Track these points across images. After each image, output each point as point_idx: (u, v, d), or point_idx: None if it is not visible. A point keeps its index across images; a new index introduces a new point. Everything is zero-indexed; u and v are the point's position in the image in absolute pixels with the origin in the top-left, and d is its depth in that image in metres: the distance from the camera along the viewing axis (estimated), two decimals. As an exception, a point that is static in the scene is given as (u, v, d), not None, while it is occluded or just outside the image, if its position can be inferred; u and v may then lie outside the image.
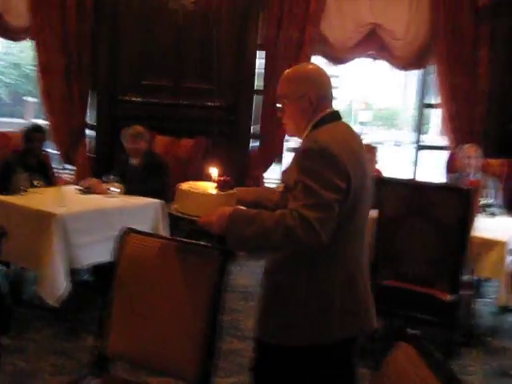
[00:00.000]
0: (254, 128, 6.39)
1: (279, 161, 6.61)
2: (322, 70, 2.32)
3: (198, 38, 6.12)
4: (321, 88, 2.26)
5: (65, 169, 6.47)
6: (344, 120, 2.32)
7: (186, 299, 2.33)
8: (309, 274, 2.14)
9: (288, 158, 6.47)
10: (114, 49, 6.15)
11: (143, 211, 4.64)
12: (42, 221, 4.05)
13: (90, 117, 6.40)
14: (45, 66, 6.06)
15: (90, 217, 4.24)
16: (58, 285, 3.96)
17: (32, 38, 6.07)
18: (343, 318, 2.18)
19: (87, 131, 6.43)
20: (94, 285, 4.83)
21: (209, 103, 6.10)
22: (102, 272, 4.08)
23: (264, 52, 6.26)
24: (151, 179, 4.93)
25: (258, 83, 6.33)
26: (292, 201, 2.06)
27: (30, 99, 15.24)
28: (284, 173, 2.42)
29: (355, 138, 2.30)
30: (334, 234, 2.04)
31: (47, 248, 3.97)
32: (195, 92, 6.10)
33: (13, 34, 6.22)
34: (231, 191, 2.35)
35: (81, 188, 4.81)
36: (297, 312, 2.15)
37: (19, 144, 5.13)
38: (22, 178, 4.56)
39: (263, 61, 6.27)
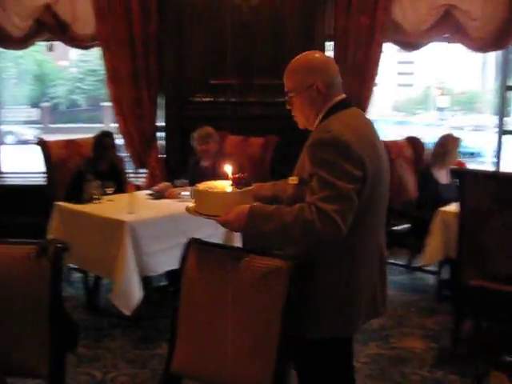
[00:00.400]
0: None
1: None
2: (327, 57, 2.31)
3: (265, 33, 5.96)
4: (328, 76, 2.21)
5: (138, 172, 6.47)
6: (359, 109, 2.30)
7: (255, 313, 2.19)
8: (331, 267, 2.13)
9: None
10: (180, 50, 6.08)
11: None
12: (113, 229, 4.03)
13: (161, 119, 6.37)
14: (113, 72, 6.07)
15: (160, 223, 4.18)
16: (131, 294, 3.92)
17: (99, 46, 6.08)
18: (366, 309, 2.22)
19: (158, 134, 6.40)
20: (169, 290, 4.78)
21: (279, 99, 5.93)
22: (177, 277, 4.02)
23: (333, 42, 6.05)
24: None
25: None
26: (309, 194, 2.05)
27: (107, 104, 15.53)
28: (297, 166, 2.31)
29: (367, 123, 2.26)
30: (353, 224, 2.03)
31: (119, 257, 3.94)
32: (264, 89, 5.95)
33: (80, 43, 6.25)
34: (247, 188, 2.31)
35: (152, 193, 4.77)
36: (322, 305, 2.15)
37: (90, 151, 5.15)
38: (93, 186, 4.56)
39: (332, 52, 6.06)
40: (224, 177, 2.38)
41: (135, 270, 3.96)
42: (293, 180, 2.23)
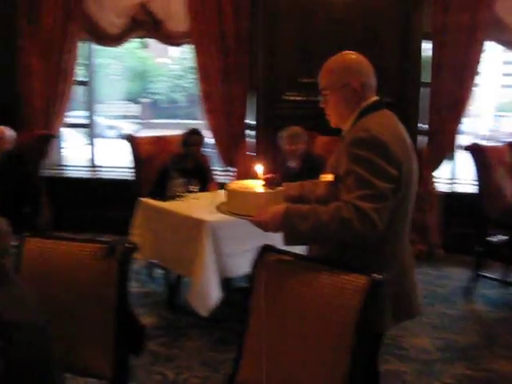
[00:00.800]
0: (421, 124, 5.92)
1: (451, 158, 6.09)
2: (363, 58, 2.30)
3: (358, 31, 5.75)
4: (364, 76, 2.25)
5: (227, 170, 6.44)
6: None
7: (328, 328, 2.03)
8: (363, 264, 2.09)
9: (460, 155, 5.95)
10: (272, 47, 5.98)
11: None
12: (193, 228, 3.97)
13: (250, 117, 6.30)
14: (203, 69, 6.06)
15: (241, 224, 4.06)
16: (209, 295, 3.86)
17: (191, 43, 6.09)
18: (396, 305, 2.19)
19: (247, 132, 6.34)
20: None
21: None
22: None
23: (431, 41, 5.74)
24: (311, 179, 4.68)
25: (425, 75, 5.84)
26: (345, 192, 2.07)
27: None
28: (329, 164, 2.33)
29: (400, 125, 2.26)
30: (387, 222, 2.05)
31: (199, 256, 3.89)
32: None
33: (173, 40, 6.30)
34: (279, 188, 2.34)
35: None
36: None
37: (177, 148, 5.15)
38: (177, 183, 4.55)
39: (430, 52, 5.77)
40: (255, 176, 2.40)
41: (214, 271, 3.89)
42: (327, 178, 2.24)
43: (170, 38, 6.29)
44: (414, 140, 5.85)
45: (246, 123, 6.26)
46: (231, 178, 6.26)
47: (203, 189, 4.76)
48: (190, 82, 19.80)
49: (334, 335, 2.01)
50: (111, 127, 17.37)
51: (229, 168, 6.40)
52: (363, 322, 1.95)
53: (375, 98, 2.26)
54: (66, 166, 7.13)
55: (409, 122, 5.75)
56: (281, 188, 2.35)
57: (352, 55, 2.32)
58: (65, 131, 7.06)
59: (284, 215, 2.13)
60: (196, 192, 4.64)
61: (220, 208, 2.41)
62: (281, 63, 6.00)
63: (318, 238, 2.15)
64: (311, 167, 4.78)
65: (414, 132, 5.83)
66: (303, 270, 2.14)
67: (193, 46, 6.10)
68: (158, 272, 5.04)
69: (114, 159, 8.42)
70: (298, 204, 2.23)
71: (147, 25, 6.24)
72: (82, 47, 6.63)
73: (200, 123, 6.44)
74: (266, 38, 5.99)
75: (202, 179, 4.92)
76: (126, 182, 6.01)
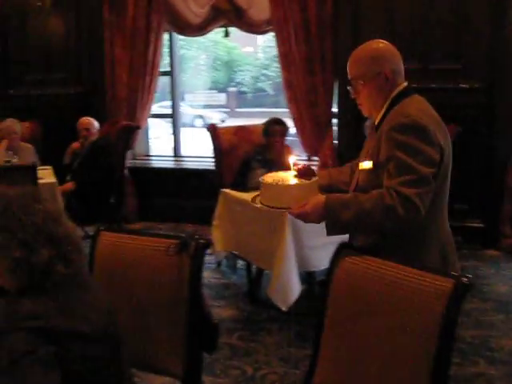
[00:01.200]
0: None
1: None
2: (391, 46, 2.31)
3: (446, 16, 5.44)
4: (394, 63, 2.27)
5: (310, 160, 6.31)
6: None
7: (409, 332, 1.89)
8: (406, 251, 2.11)
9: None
10: (355, 33, 5.76)
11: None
12: (274, 220, 3.89)
13: (333, 105, 6.13)
14: (286, 57, 5.94)
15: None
16: (289, 289, 3.78)
17: (273, 30, 5.98)
18: None
19: (334, 120, 6.17)
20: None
21: (459, 85, 5.42)
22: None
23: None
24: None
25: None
26: (387, 178, 2.08)
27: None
28: (364, 152, 2.35)
29: (433, 109, 2.27)
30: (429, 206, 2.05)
31: (280, 249, 3.80)
32: (444, 74, 5.47)
33: (256, 28, 6.22)
34: (314, 179, 2.33)
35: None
36: None
37: (259, 138, 5.07)
38: (258, 174, 4.45)
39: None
40: (287, 167, 2.41)
41: (295, 265, 3.80)
42: (366, 165, 2.23)
43: (252, 26, 6.21)
44: (508, 131, 5.52)
45: (331, 112, 6.08)
46: (314, 168, 6.11)
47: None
48: (276, 71, 19.83)
49: (415, 339, 1.87)
50: (198, 117, 17.59)
51: (312, 158, 6.27)
52: (447, 326, 1.79)
53: (405, 83, 2.29)
54: (151, 156, 7.23)
55: (499, 111, 5.45)
56: (316, 178, 2.34)
57: (380, 43, 2.32)
58: (151, 121, 7.14)
59: (325, 205, 2.13)
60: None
61: (254, 200, 2.44)
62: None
63: (362, 226, 2.15)
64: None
65: (506, 121, 5.48)
66: (382, 270, 2.00)
67: (274, 34, 5.98)
68: (240, 263, 5.00)
69: (199, 149, 8.49)
70: (343, 194, 2.24)
71: (229, 13, 6.18)
72: (167, 37, 6.68)
73: (286, 111, 6.34)
74: (349, 23, 5.79)
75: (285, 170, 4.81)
76: (209, 172, 6.01)
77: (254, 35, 7.20)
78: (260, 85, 20.61)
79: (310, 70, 5.88)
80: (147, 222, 6.52)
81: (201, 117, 17.67)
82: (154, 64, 6.44)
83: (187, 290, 2.17)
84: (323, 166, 5.95)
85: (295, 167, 2.40)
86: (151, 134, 7.53)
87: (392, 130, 2.12)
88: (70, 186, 5.39)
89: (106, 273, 2.27)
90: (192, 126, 16.09)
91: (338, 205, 2.12)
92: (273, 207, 2.29)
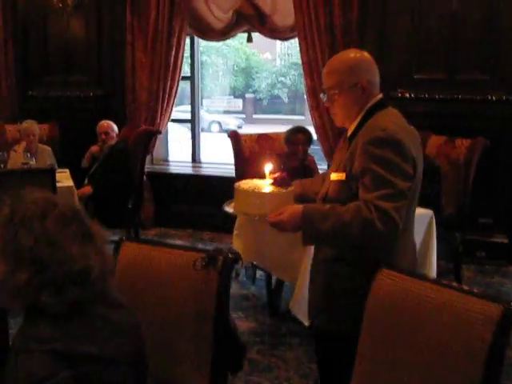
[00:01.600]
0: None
1: None
2: (368, 55, 2.29)
3: (476, 23, 5.31)
4: (370, 74, 2.25)
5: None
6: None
7: (451, 360, 1.77)
8: (372, 263, 2.06)
9: None
10: (382, 40, 5.65)
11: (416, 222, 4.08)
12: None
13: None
14: (309, 63, 5.83)
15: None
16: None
17: (297, 36, 5.87)
18: None
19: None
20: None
21: (487, 96, 5.28)
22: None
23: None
24: (423, 185, 4.38)
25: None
26: (363, 191, 2.07)
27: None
28: (336, 163, 2.33)
29: (407, 122, 2.28)
30: None
31: (303, 262, 3.67)
32: (472, 85, 5.33)
33: (279, 34, 6.11)
34: (291, 188, 2.35)
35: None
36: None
37: (282, 147, 4.97)
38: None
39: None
40: (263, 176, 2.40)
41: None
42: (338, 176, 2.21)
43: (276, 32, 6.11)
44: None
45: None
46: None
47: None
48: (293, 78, 19.78)
49: (456, 368, 1.76)
50: (214, 122, 17.55)
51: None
52: (494, 353, 1.68)
53: (380, 95, 2.27)
54: (169, 161, 7.14)
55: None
56: (292, 188, 2.36)
57: (357, 53, 2.31)
58: (169, 126, 7.06)
59: (303, 214, 2.12)
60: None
61: (228, 206, 2.43)
62: (391, 57, 5.65)
63: (339, 237, 2.11)
64: (425, 169, 4.47)
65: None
66: (420, 291, 1.89)
67: (298, 40, 5.87)
68: (259, 274, 4.88)
69: (217, 154, 8.40)
70: (320, 204, 2.24)
71: (252, 19, 6.09)
72: (187, 42, 6.60)
73: (301, 119, 6.22)
74: (375, 29, 5.68)
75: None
76: (228, 179, 5.91)
77: (273, 42, 7.09)
78: (276, 92, 20.57)
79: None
80: (163, 228, 6.43)
81: (218, 122, 17.62)
82: (176, 68, 6.35)
83: (213, 306, 2.07)
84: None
85: (271, 176, 2.39)
86: (170, 138, 7.44)
87: (368, 143, 2.10)
88: (87, 189, 5.32)
89: (129, 285, 2.16)
90: (209, 131, 16.04)
91: (315, 215, 2.11)
92: (247, 214, 2.31)
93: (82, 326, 1.53)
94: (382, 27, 5.66)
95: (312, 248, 3.61)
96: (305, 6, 5.68)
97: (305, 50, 5.82)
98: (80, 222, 1.61)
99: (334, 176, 2.24)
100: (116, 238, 2.26)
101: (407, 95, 5.61)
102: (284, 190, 2.32)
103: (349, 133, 2.28)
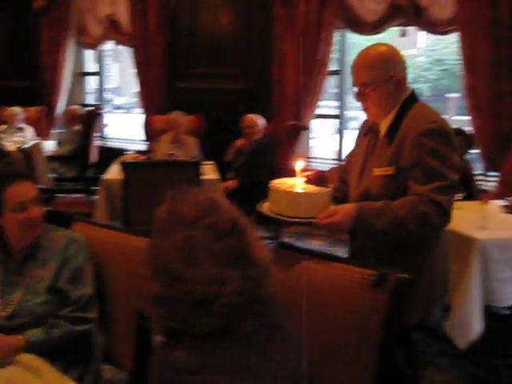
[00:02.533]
0: None
1: None
2: (398, 49, 2.26)
3: None
4: (403, 68, 2.24)
5: (486, 175, 5.67)
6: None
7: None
8: (424, 256, 2.19)
9: None
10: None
11: None
12: (458, 245, 3.39)
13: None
14: (470, 60, 5.34)
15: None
16: (470, 325, 3.28)
17: (456, 31, 5.42)
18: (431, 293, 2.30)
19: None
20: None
21: None
22: None
23: None
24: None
25: None
26: (415, 184, 2.07)
27: (451, 95, 14.88)
28: (381, 157, 2.19)
29: None
30: None
31: (465, 279, 3.31)
32: None
33: (436, 28, 5.67)
34: (330, 186, 2.26)
35: (508, 204, 3.98)
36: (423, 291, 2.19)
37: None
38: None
39: None
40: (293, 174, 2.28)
41: (479, 299, 3.30)
42: (385, 171, 2.16)
43: (433, 26, 5.69)
44: None
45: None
46: (491, 184, 5.49)
47: (468, 197, 4.14)
48: (437, 75, 18.98)
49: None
50: (352, 119, 17.19)
51: (489, 173, 5.63)
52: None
53: (410, 89, 2.26)
54: (313, 158, 6.93)
55: None
56: (331, 185, 2.27)
57: (386, 46, 2.26)
58: (313, 122, 6.85)
59: (357, 214, 2.09)
60: (461, 200, 4.03)
61: (266, 211, 2.22)
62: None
63: (396, 234, 2.12)
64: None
65: None
66: None
67: (458, 34, 5.42)
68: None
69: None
70: (374, 202, 2.16)
71: (407, 11, 5.71)
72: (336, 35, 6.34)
73: (446, 119, 5.75)
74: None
75: (466, 186, 4.30)
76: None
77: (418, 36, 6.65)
78: (419, 88, 19.87)
79: (497, 75, 5.25)
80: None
81: (355, 119, 17.25)
82: (324, 63, 6.12)
83: (380, 330, 1.82)
84: (503, 185, 5.32)
85: (303, 173, 2.28)
86: (314, 135, 7.24)
87: (421, 135, 2.09)
88: (232, 184, 5.24)
89: (285, 302, 1.96)
90: (349, 128, 15.75)
91: (370, 214, 2.09)
92: (298, 218, 2.11)
93: (221, 356, 1.35)
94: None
95: (477, 265, 3.29)
96: (467, -1, 5.22)
97: (466, 45, 5.35)
98: (238, 238, 1.38)
99: (378, 171, 2.20)
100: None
101: None
102: (327, 189, 2.22)
103: (384, 127, 2.24)
